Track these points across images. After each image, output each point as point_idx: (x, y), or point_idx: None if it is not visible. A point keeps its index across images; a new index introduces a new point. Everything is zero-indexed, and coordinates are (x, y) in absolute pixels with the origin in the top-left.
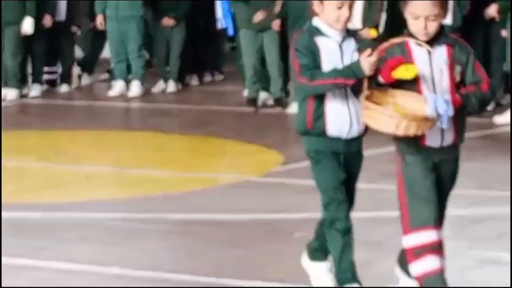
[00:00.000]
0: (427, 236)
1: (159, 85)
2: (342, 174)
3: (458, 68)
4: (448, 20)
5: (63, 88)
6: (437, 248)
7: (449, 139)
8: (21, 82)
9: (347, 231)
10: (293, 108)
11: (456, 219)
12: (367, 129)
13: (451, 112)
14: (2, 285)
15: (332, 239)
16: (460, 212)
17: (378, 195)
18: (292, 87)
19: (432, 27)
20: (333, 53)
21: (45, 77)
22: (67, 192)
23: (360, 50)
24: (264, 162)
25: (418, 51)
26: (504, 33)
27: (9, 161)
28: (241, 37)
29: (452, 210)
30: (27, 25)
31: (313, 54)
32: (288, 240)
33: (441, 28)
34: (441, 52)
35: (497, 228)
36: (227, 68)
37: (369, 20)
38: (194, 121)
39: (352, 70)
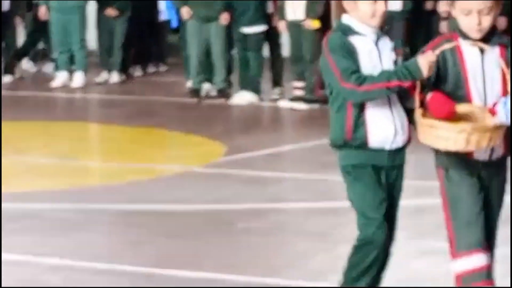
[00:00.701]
0: (476, 260)
1: (103, 76)
2: (384, 193)
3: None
4: (397, 6)
5: (6, 79)
6: (487, 276)
7: (499, 151)
8: None
9: (380, 260)
10: (236, 99)
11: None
12: (410, 138)
13: None
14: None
15: (359, 256)
16: (402, 202)
17: (319, 185)
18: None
19: (487, 22)
20: (371, 53)
21: None
22: (9, 182)
23: (396, 49)
24: (207, 153)
25: (470, 51)
26: (444, 28)
27: None
28: (188, 28)
29: None
30: None
31: (352, 54)
32: (231, 231)
33: (493, 27)
34: (494, 53)
35: (439, 218)
36: (171, 59)
37: (312, 11)
38: (138, 112)
39: (409, 70)
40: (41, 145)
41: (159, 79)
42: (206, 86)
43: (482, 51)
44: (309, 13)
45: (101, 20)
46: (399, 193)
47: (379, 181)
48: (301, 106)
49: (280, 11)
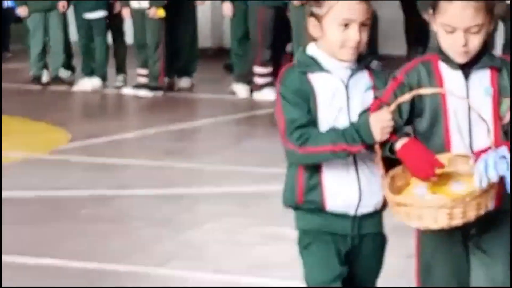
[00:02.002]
0: None
1: None
2: (341, 268)
3: (507, 102)
4: None
5: None
6: None
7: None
8: None
9: None
10: (80, 85)
11: (240, 196)
12: (386, 201)
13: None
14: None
15: None
16: (244, 189)
17: (162, 172)
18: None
19: (475, 43)
20: (336, 96)
21: None
22: None
23: (375, 88)
24: (50, 140)
25: (451, 75)
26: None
27: None
28: (29, 19)
29: (235, 187)
30: None
31: (306, 101)
32: (75, 217)
33: (484, 45)
34: (483, 78)
35: (281, 204)
36: (16, 46)
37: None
38: None
39: (359, 133)
40: None
41: (3, 66)
42: (48, 73)
43: (466, 75)
44: (154, 2)
45: None
46: (375, 268)
47: (339, 253)
48: (145, 93)
49: None
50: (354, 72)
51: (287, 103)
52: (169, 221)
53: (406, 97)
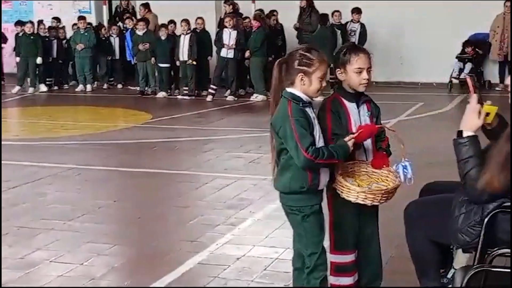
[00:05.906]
0: (346, 258)
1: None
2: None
3: (374, 120)
4: None
5: None
6: (353, 267)
7: None
8: None
9: (325, 279)
10: (158, 95)
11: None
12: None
13: (411, 170)
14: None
15: (311, 283)
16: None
17: (194, 130)
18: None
19: (370, 77)
20: (315, 121)
21: None
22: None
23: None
24: (142, 118)
25: (350, 105)
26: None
27: None
28: (138, 64)
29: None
30: None
31: (309, 125)
32: (151, 150)
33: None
34: (364, 107)
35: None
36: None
37: (192, 54)
38: (110, 99)
39: (345, 153)
40: (67, 117)
41: (131, 87)
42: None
43: (358, 106)
44: (190, 56)
45: None
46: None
47: (322, 216)
48: (186, 98)
49: (176, 55)
50: (311, 105)
51: (299, 128)
52: (194, 148)
53: (330, 97)
